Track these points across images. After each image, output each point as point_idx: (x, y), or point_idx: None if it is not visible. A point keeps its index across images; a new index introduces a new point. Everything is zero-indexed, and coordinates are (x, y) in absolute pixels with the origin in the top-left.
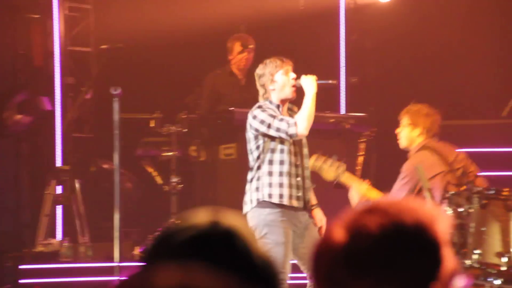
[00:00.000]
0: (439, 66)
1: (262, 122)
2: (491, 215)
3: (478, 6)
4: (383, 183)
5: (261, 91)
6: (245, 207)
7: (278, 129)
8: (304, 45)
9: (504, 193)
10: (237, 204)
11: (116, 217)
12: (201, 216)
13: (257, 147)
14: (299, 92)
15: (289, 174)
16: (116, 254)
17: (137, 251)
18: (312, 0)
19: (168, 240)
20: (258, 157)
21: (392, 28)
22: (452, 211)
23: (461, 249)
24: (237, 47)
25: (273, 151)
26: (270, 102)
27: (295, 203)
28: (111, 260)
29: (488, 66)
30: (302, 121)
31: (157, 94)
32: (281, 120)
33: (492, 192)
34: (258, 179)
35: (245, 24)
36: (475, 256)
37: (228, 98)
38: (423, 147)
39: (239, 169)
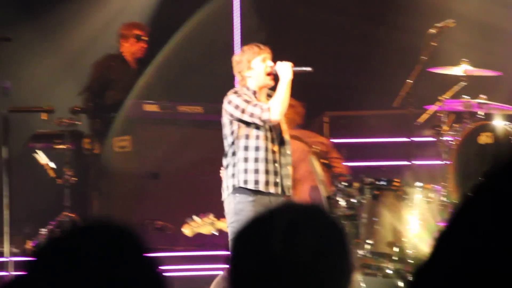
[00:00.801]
0: (331, 57)
1: (236, 107)
2: (383, 205)
3: None
4: None
5: (238, 77)
6: (223, 194)
7: (251, 115)
8: (200, 35)
9: (395, 184)
10: (130, 196)
11: (6, 212)
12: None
13: (232, 133)
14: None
15: (266, 160)
16: (7, 249)
17: (29, 245)
18: None
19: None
20: (233, 143)
21: (287, 18)
22: (344, 202)
23: (354, 239)
24: (135, 35)
25: (248, 137)
26: (247, 88)
27: (272, 189)
28: (1, 255)
29: (380, 57)
30: (276, 107)
31: (50, 86)
32: (255, 105)
33: (384, 183)
34: (234, 165)
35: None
36: (367, 246)
37: (120, 84)
38: None
39: (134, 162)
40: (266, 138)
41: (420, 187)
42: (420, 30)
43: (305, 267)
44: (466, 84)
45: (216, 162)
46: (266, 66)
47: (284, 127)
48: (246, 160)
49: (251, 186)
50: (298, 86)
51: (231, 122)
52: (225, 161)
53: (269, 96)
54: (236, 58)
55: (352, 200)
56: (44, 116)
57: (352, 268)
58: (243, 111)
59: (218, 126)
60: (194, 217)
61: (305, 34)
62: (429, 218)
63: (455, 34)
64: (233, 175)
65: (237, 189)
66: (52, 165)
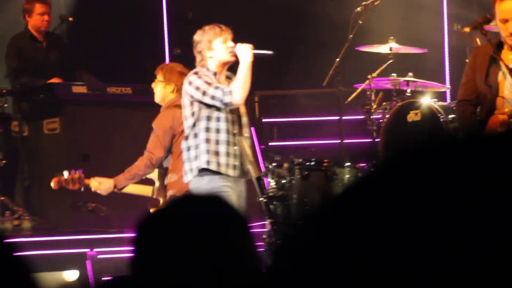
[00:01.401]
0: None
1: (197, 88)
2: (313, 186)
3: None
4: None
5: (198, 57)
6: (185, 177)
7: (213, 97)
8: (128, 16)
9: (325, 164)
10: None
11: None
12: None
13: (192, 114)
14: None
15: (227, 142)
16: None
17: None
18: None
19: None
20: (194, 125)
21: None
22: (275, 183)
23: (284, 220)
24: (38, 8)
25: (209, 118)
26: (207, 69)
27: (231, 172)
28: None
29: (310, 35)
30: (237, 90)
31: None
32: (216, 88)
33: (313, 163)
34: (197, 147)
35: None
36: None
37: (34, 62)
38: (175, 105)
39: (64, 144)
40: (227, 120)
41: (349, 166)
42: (350, 8)
43: (203, 260)
44: (392, 61)
45: (146, 143)
46: (227, 47)
47: (243, 109)
48: (207, 141)
49: (213, 167)
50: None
51: (191, 103)
52: (185, 143)
53: (229, 78)
54: (196, 37)
55: (282, 181)
56: None
57: (256, 262)
58: (204, 93)
59: (148, 107)
60: (64, 172)
61: (232, 13)
62: None
63: (382, 12)
64: (196, 157)
65: (202, 171)
66: None
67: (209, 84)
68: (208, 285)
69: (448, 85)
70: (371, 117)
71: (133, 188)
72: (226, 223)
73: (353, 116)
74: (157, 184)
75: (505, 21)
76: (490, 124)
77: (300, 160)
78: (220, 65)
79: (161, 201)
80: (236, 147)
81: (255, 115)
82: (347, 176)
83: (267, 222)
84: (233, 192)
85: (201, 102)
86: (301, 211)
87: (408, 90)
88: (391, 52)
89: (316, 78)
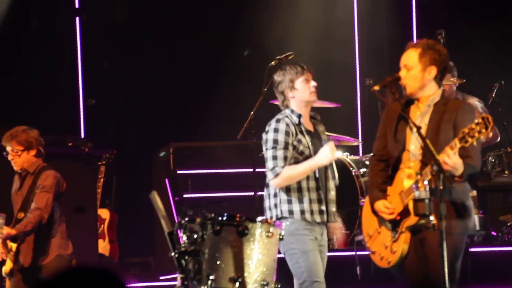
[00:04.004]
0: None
1: (266, 142)
2: (224, 241)
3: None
4: (124, 204)
5: (280, 98)
6: None
7: (266, 161)
8: (43, 64)
9: (237, 219)
10: None
11: None
12: None
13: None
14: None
15: (308, 189)
16: None
17: None
18: (46, 19)
19: None
20: None
21: (128, 48)
22: (186, 238)
23: (196, 275)
24: None
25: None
26: (292, 111)
27: (317, 218)
28: None
29: (227, 88)
30: (285, 178)
31: None
32: (274, 158)
33: (225, 218)
34: (275, 195)
35: None
36: (209, 282)
37: None
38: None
39: None
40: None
41: (261, 221)
42: (265, 63)
43: None
44: None
45: None
46: (310, 87)
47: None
48: (288, 190)
49: (297, 217)
50: (144, 116)
51: None
52: (266, 191)
53: (313, 118)
54: (277, 78)
55: (194, 235)
56: None
57: None
58: (266, 150)
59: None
60: None
61: (148, 65)
62: (269, 253)
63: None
64: (275, 205)
65: (281, 219)
66: None
67: (275, 147)
68: None
69: (360, 139)
70: None
71: None
72: None
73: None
74: None
75: (400, 68)
76: (397, 178)
77: (213, 214)
78: (303, 105)
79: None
80: (320, 191)
81: (170, 166)
82: (259, 230)
83: (178, 276)
84: (313, 236)
85: None
86: (212, 266)
87: None
88: None
89: (231, 131)
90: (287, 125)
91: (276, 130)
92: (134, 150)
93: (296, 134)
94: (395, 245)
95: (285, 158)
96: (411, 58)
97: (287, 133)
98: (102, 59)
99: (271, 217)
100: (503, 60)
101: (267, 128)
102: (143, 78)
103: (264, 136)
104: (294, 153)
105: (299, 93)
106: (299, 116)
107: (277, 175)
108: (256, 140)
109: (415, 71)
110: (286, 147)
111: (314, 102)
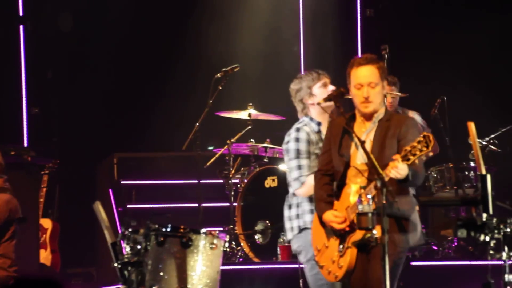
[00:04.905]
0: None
1: (287, 151)
2: (168, 252)
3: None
4: (67, 214)
5: (299, 106)
6: (287, 235)
7: (289, 171)
8: None
9: (181, 231)
10: None
11: None
12: None
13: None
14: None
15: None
16: None
17: None
18: None
19: None
20: None
21: (73, 57)
22: (130, 249)
23: (139, 286)
24: None
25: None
26: (311, 119)
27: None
28: None
29: (172, 98)
30: (310, 187)
31: None
32: (298, 168)
33: (169, 229)
34: (298, 205)
35: None
36: None
37: None
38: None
39: None
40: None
41: (205, 233)
42: (211, 74)
43: None
44: (251, 127)
45: None
46: (329, 92)
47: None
48: (311, 200)
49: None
50: (88, 125)
51: None
52: (287, 201)
53: None
54: (294, 86)
55: (138, 246)
56: None
57: None
58: (288, 160)
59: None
60: None
61: (93, 75)
62: (212, 264)
63: (242, 79)
64: (297, 215)
65: (304, 229)
66: None
67: (298, 156)
68: None
69: None
70: (229, 181)
71: None
72: None
73: (212, 180)
74: None
75: (360, 86)
76: (344, 193)
77: (156, 225)
78: (323, 111)
79: None
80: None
81: (113, 177)
82: (203, 242)
83: (121, 287)
84: None
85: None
86: (155, 277)
87: (266, 156)
88: (250, 118)
89: (176, 142)
90: (308, 134)
91: (297, 140)
92: (78, 160)
93: (317, 142)
94: (342, 260)
95: (309, 167)
96: (374, 75)
97: (308, 142)
98: (46, 67)
99: (291, 228)
100: (446, 75)
101: (286, 139)
102: (87, 88)
103: (284, 146)
104: (316, 162)
105: (318, 99)
106: (319, 124)
107: (302, 184)
108: (201, 152)
109: (379, 87)
110: (308, 157)
111: (333, 108)
